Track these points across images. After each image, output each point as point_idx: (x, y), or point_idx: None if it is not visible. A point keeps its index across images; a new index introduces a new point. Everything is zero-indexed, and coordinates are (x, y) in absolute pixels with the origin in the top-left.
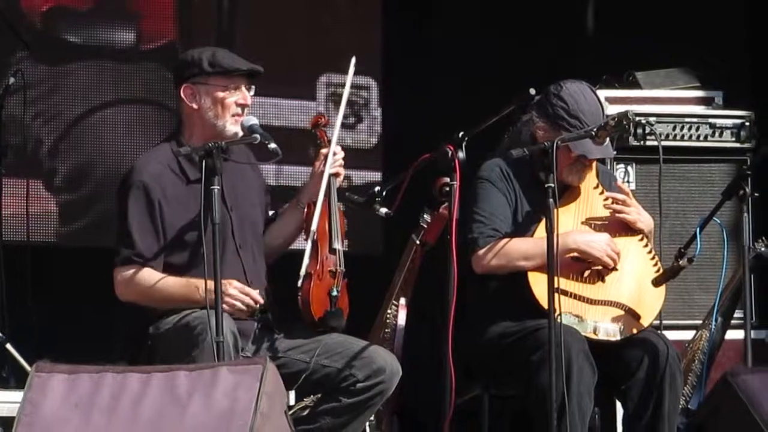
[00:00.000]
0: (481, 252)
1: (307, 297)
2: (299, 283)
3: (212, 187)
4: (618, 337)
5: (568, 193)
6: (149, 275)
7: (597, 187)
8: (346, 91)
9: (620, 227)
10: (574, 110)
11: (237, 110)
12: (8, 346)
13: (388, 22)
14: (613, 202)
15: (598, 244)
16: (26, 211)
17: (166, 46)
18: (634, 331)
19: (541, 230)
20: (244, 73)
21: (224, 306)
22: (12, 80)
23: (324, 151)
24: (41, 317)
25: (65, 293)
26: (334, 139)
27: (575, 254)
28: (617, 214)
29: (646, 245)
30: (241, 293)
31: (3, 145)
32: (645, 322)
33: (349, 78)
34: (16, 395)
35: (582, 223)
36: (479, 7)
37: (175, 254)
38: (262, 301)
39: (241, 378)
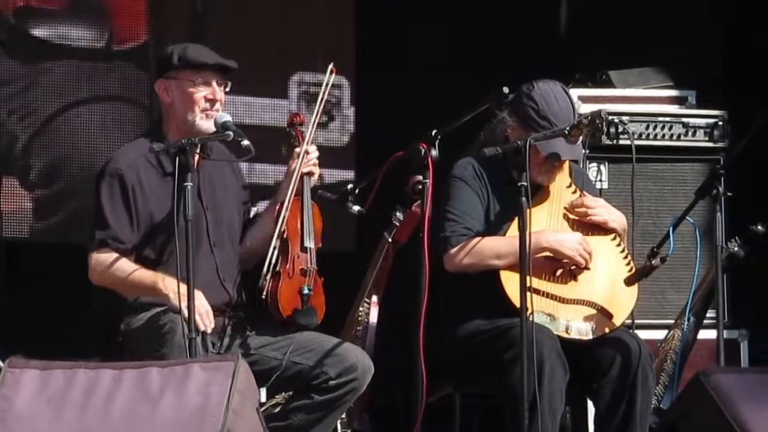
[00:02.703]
0: (453, 250)
1: (275, 295)
2: (259, 282)
3: (185, 183)
4: (590, 336)
5: (541, 192)
6: (123, 265)
7: (570, 186)
8: (322, 94)
9: (593, 226)
10: (543, 111)
11: (206, 105)
12: None
13: (362, 21)
14: (573, 209)
15: (570, 243)
16: (0, 204)
17: (139, 45)
18: (607, 330)
19: (513, 229)
20: (211, 67)
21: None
22: None
23: (297, 149)
24: (14, 313)
25: (38, 289)
26: (307, 139)
27: (547, 253)
28: (585, 217)
29: (619, 244)
30: (203, 309)
31: None
32: (617, 321)
33: (326, 83)
34: None
35: (554, 222)
36: (453, 6)
37: (148, 247)
38: (209, 329)
39: (213, 374)
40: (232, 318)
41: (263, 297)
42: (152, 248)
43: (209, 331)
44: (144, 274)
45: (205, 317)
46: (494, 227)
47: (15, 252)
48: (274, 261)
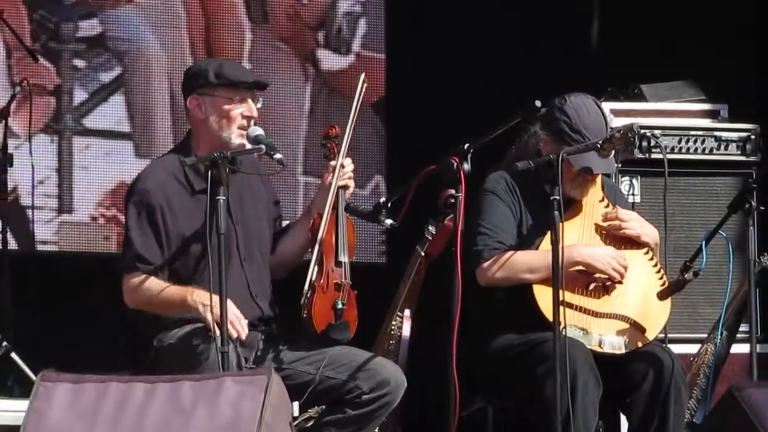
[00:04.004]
0: (485, 264)
1: (309, 310)
2: (302, 301)
3: (217, 197)
4: (623, 351)
5: (574, 206)
6: (153, 285)
7: (603, 200)
8: (355, 107)
9: (625, 240)
10: (576, 124)
11: (243, 122)
12: (13, 354)
13: (392, 36)
14: (605, 221)
15: (603, 257)
16: (32, 219)
17: None
18: (639, 344)
19: (545, 243)
20: (249, 85)
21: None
22: (17, 89)
23: (333, 163)
24: (46, 326)
25: (71, 302)
26: (342, 152)
27: (580, 267)
28: (618, 231)
29: (652, 258)
30: (233, 316)
31: (9, 156)
32: (650, 335)
33: (358, 95)
34: (21, 404)
35: (587, 236)
36: (484, 19)
37: (179, 264)
38: (243, 335)
39: (246, 388)
40: (264, 332)
41: (304, 315)
42: (184, 265)
43: (243, 337)
44: (174, 291)
45: (237, 324)
46: (526, 241)
47: (48, 265)
48: (315, 277)
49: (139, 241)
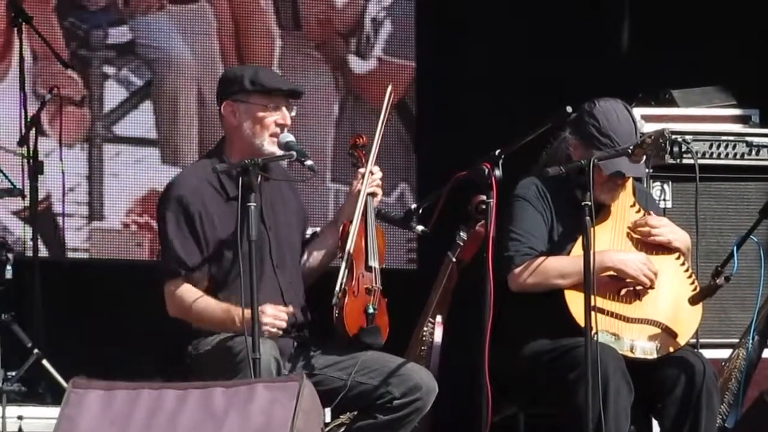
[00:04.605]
0: (517, 270)
1: (341, 314)
2: (333, 301)
3: (249, 204)
4: (655, 356)
5: (604, 211)
6: (192, 295)
7: (634, 205)
8: (383, 117)
9: (657, 245)
10: (605, 129)
11: (276, 130)
12: (44, 362)
13: (422, 41)
14: (636, 229)
15: (634, 262)
16: (62, 226)
17: None
18: (671, 349)
19: (577, 248)
20: (283, 92)
21: (265, 331)
22: (48, 97)
23: (361, 170)
24: (77, 333)
25: (102, 309)
26: (371, 159)
27: (611, 273)
28: (649, 238)
29: (683, 263)
30: (275, 318)
31: (40, 163)
32: (682, 340)
33: (386, 105)
34: (53, 411)
35: (618, 241)
36: (515, 25)
37: (215, 270)
38: (292, 311)
39: (278, 395)
40: (297, 338)
41: (336, 315)
42: (219, 271)
43: (291, 312)
44: (214, 311)
45: (282, 318)
46: (558, 247)
47: (79, 272)
48: (345, 280)
49: (180, 245)
